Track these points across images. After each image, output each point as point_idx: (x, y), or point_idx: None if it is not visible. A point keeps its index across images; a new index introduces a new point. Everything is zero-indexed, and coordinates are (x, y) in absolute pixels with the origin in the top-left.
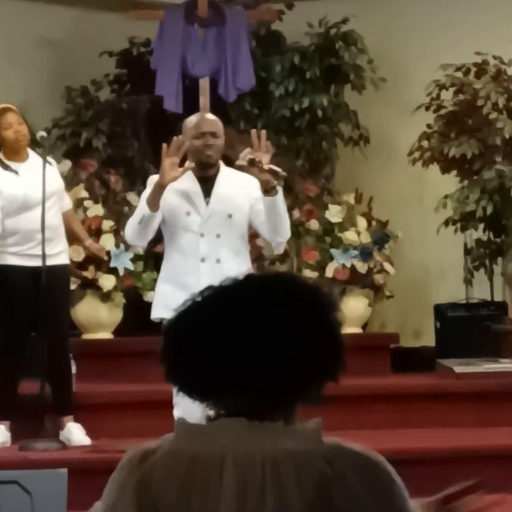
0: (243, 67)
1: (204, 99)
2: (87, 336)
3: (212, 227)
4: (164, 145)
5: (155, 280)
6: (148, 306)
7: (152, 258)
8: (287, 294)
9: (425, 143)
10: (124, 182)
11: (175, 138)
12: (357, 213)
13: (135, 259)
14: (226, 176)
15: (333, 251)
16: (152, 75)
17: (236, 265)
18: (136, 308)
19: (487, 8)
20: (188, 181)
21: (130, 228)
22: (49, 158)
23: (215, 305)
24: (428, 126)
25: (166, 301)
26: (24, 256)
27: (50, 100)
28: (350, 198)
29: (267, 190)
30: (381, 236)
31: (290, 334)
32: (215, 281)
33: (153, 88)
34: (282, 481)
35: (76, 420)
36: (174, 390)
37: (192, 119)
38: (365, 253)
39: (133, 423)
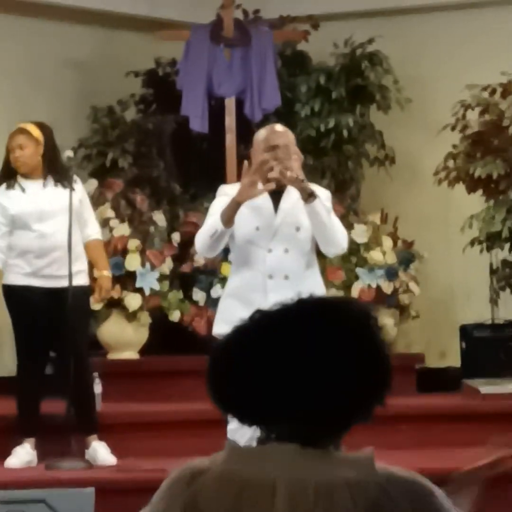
0: (268, 87)
1: (230, 119)
2: (112, 355)
3: (280, 242)
4: (246, 163)
5: (181, 300)
6: (173, 325)
7: (177, 278)
8: (341, 319)
9: (450, 163)
10: (150, 202)
11: (260, 157)
12: (382, 233)
13: (161, 278)
14: (294, 190)
15: (358, 271)
16: (178, 95)
17: (305, 281)
18: (162, 327)
19: None
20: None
21: (201, 241)
22: (75, 183)
23: (268, 330)
24: (454, 146)
25: (229, 317)
26: (39, 276)
27: (76, 120)
28: (376, 218)
29: (304, 198)
30: (407, 256)
31: (346, 361)
32: (283, 298)
33: (179, 108)
34: (336, 509)
35: (102, 439)
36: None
37: (262, 132)
38: (390, 273)
39: (159, 443)
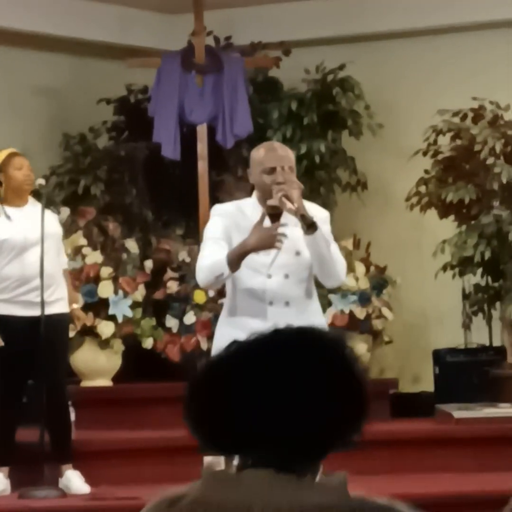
0: (240, 114)
1: (202, 146)
2: (85, 383)
3: (280, 267)
4: (263, 211)
5: (153, 327)
6: (147, 353)
7: (150, 305)
8: (315, 349)
9: (422, 188)
10: (123, 229)
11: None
12: (355, 258)
13: (134, 306)
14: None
15: (331, 296)
16: (150, 122)
17: (306, 308)
18: (135, 355)
19: (483, 54)
20: (258, 218)
21: (205, 278)
22: (49, 210)
23: (243, 359)
24: (426, 171)
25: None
26: (19, 303)
27: (48, 147)
28: (348, 244)
29: (304, 228)
30: (380, 281)
31: (319, 390)
32: (285, 325)
33: (150, 135)
34: None
35: (75, 467)
36: None
37: (260, 152)
38: (363, 299)
39: (132, 471)
